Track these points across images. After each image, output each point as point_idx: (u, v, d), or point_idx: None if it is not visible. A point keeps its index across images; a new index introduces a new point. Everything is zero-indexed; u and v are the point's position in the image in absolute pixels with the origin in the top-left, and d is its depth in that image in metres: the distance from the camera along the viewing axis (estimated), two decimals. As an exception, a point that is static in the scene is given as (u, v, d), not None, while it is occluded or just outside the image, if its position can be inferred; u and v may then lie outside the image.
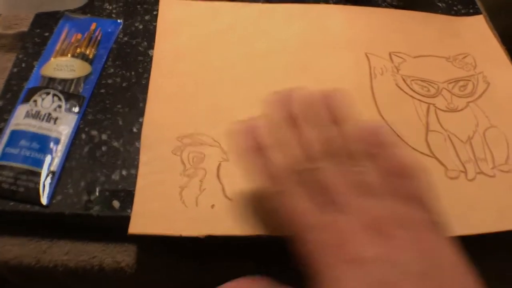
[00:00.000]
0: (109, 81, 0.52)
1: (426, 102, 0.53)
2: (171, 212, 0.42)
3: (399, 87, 0.54)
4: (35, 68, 0.52)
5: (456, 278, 0.31)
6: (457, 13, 0.64)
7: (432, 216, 0.34)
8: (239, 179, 0.43)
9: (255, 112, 0.47)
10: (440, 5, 0.66)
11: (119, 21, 0.58)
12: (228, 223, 0.42)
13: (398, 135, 0.50)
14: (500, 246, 0.47)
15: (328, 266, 0.31)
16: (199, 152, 0.46)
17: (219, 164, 0.46)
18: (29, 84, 0.50)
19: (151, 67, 0.53)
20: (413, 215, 0.33)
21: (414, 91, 0.54)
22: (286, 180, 0.34)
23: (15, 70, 0.52)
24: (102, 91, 0.51)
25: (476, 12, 0.65)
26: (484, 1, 0.70)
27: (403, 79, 0.55)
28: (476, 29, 0.63)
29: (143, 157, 0.46)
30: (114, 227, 0.43)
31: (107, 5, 0.60)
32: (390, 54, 0.57)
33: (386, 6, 0.64)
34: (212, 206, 0.43)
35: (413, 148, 0.49)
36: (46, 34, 0.56)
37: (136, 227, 0.41)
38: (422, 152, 0.49)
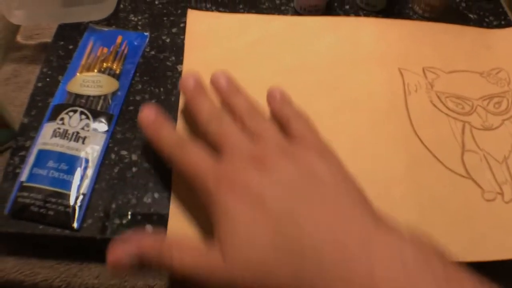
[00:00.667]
0: (137, 97, 0.51)
1: (461, 120, 0.52)
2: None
3: (433, 104, 0.53)
4: (60, 84, 0.51)
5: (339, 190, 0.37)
6: (489, 25, 0.63)
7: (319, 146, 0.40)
8: None
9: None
10: (472, 16, 0.64)
11: (145, 33, 0.57)
12: None
13: (433, 155, 0.49)
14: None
15: (219, 199, 0.36)
16: None
17: None
18: (54, 101, 0.49)
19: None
20: (296, 149, 0.39)
21: (448, 108, 0.53)
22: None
23: (39, 84, 0.52)
24: (131, 108, 0.50)
25: (508, 23, 0.64)
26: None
27: (438, 96, 0.54)
28: (509, 42, 0.61)
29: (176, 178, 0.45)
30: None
31: (132, 17, 0.59)
32: (423, 70, 0.56)
33: (417, 18, 0.63)
34: None
35: (449, 169, 0.48)
36: (71, 47, 0.55)
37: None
38: (458, 173, 0.48)
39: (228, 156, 0.38)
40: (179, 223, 0.42)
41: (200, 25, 0.58)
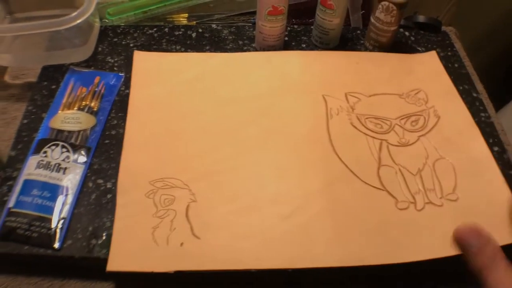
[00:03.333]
0: (113, 132, 0.57)
1: (379, 139, 0.57)
2: (144, 250, 0.47)
3: (353, 125, 0.59)
4: (44, 120, 0.56)
5: None
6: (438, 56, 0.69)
7: None
8: (206, 219, 0.49)
9: (220, 156, 0.54)
10: (420, 49, 0.71)
11: (120, 74, 0.63)
12: (196, 259, 0.46)
13: (351, 171, 0.54)
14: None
15: None
16: (170, 194, 0.51)
17: (188, 205, 0.50)
18: (39, 136, 0.55)
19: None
20: None
21: (368, 128, 0.58)
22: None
23: (25, 121, 0.57)
24: (107, 141, 0.56)
25: (455, 54, 0.70)
26: (465, 41, 0.75)
27: (358, 118, 0.59)
28: (429, 65, 0.67)
29: (120, 201, 0.50)
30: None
31: (109, 58, 0.65)
32: (346, 95, 0.62)
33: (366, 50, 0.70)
34: (181, 244, 0.47)
35: (365, 182, 0.53)
36: (53, 86, 0.61)
37: (113, 265, 0.46)
38: (373, 185, 0.53)
39: None
40: (122, 238, 0.47)
41: (145, 63, 0.64)
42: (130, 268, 0.46)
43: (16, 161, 0.53)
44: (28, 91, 0.62)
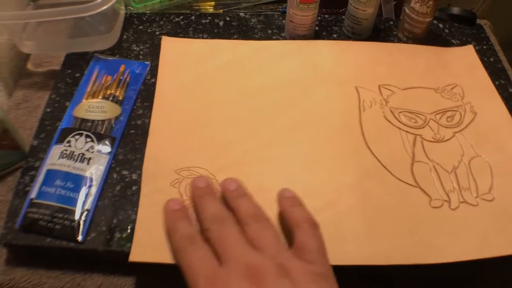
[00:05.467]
0: (138, 122, 0.55)
1: (413, 134, 0.55)
2: (168, 242, 0.45)
3: (387, 119, 0.57)
4: (67, 109, 0.55)
5: None
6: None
7: (316, 268, 0.39)
8: None
9: (248, 146, 0.52)
10: (455, 42, 0.68)
11: (146, 62, 0.61)
12: None
13: (383, 166, 0.52)
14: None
15: None
16: None
17: None
18: (62, 125, 0.53)
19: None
20: (293, 265, 0.38)
21: (401, 122, 0.56)
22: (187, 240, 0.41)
23: (48, 110, 0.56)
24: (132, 131, 0.54)
25: (490, 48, 0.67)
26: (498, 35, 0.73)
27: (391, 111, 0.57)
28: (465, 59, 0.65)
29: (145, 189, 0.49)
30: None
31: (134, 46, 0.63)
32: (379, 87, 0.60)
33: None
34: None
35: (398, 179, 0.51)
36: (77, 74, 0.59)
37: (136, 255, 0.44)
38: (407, 182, 0.51)
39: (225, 264, 0.38)
40: (145, 228, 0.46)
41: (173, 50, 0.62)
42: (153, 259, 0.44)
43: (39, 151, 0.52)
44: (52, 79, 0.61)
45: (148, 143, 0.52)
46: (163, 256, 0.44)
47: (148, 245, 0.45)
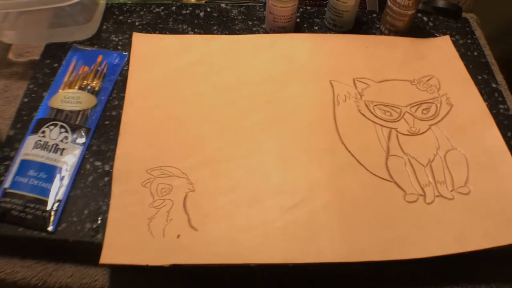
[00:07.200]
0: (113, 113, 0.55)
1: (388, 127, 0.55)
2: (139, 243, 0.45)
3: (361, 113, 0.56)
4: (44, 99, 0.55)
5: None
6: (455, 44, 0.66)
7: None
8: (204, 210, 0.47)
9: (220, 143, 0.52)
10: (438, 35, 0.68)
11: (124, 53, 0.61)
12: (192, 252, 0.45)
13: (358, 161, 0.52)
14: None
15: None
16: (167, 184, 0.49)
17: (186, 195, 0.48)
18: (38, 115, 0.53)
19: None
20: None
21: (376, 116, 0.56)
22: None
23: (25, 100, 0.56)
24: (107, 122, 0.54)
25: (474, 42, 0.67)
26: (485, 29, 0.72)
27: (366, 105, 0.57)
28: (442, 50, 0.64)
29: (115, 190, 0.48)
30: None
31: (113, 37, 0.63)
32: (354, 80, 0.59)
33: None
34: (178, 236, 0.45)
35: (373, 173, 0.51)
36: (56, 65, 0.59)
37: (106, 257, 0.44)
38: (381, 177, 0.51)
39: None
40: (116, 230, 0.46)
41: (144, 46, 0.61)
42: (124, 261, 0.44)
43: (15, 141, 0.52)
44: (31, 69, 0.61)
45: (118, 142, 0.52)
46: (134, 258, 0.44)
47: (120, 246, 0.45)
